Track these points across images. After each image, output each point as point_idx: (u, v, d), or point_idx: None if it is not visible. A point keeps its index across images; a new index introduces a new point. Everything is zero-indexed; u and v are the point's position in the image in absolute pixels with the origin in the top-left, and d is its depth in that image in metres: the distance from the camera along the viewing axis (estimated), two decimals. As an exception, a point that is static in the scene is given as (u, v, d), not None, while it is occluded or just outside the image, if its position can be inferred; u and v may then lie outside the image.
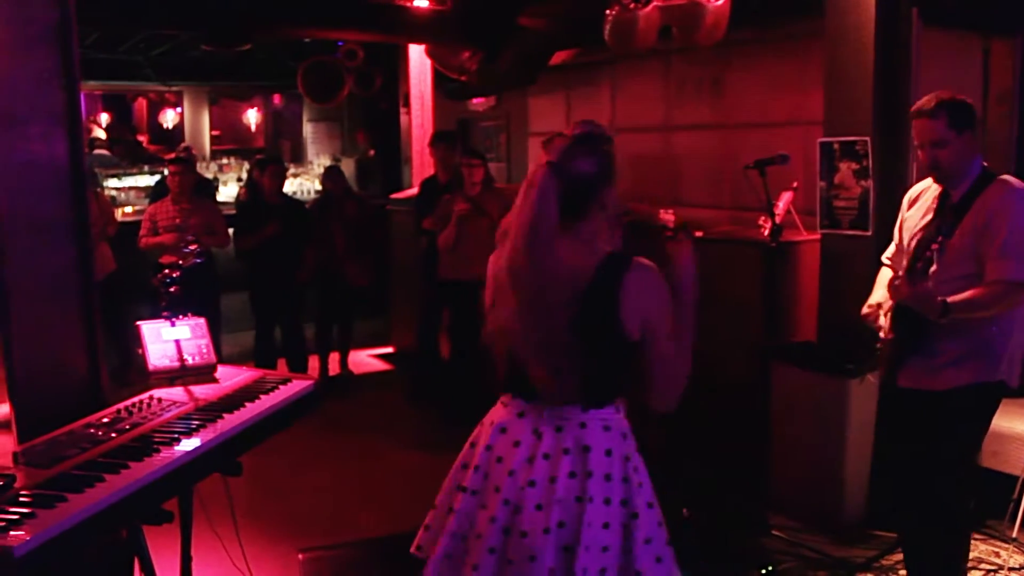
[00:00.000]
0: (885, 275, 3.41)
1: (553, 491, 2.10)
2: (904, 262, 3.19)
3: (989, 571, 3.76)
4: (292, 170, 11.99)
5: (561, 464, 2.12)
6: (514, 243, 2.14)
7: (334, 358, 7.29)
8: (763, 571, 3.78)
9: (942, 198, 3.13)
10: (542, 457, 2.14)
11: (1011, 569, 3.77)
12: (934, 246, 2.85)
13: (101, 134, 12.40)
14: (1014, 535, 3.81)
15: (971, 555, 3.46)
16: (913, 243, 3.15)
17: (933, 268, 2.92)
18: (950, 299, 2.87)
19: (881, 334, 3.22)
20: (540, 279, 2.11)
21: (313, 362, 7.10)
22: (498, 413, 2.30)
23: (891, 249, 3.45)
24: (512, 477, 2.16)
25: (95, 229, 6.11)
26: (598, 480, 2.12)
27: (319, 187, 10.58)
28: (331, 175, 7.46)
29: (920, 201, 3.25)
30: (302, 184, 12.17)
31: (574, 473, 2.12)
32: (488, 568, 2.13)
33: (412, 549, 2.32)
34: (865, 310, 3.32)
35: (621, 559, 2.11)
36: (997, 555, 3.89)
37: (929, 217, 3.15)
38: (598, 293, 2.11)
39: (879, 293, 3.34)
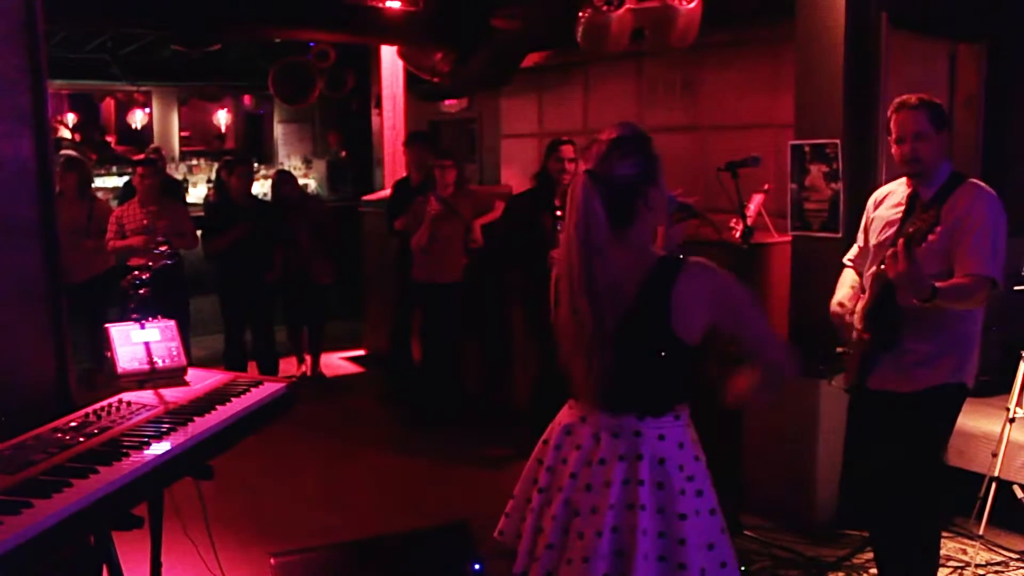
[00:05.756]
0: (847, 277, 3.43)
1: (607, 496, 2.12)
2: (868, 266, 3.21)
3: (956, 568, 3.81)
4: (263, 171, 11.88)
5: (615, 470, 2.13)
6: (568, 256, 2.12)
7: (306, 360, 7.25)
8: (736, 571, 3.80)
9: (912, 199, 3.16)
10: (598, 462, 2.17)
11: (977, 566, 3.83)
12: (924, 244, 2.84)
13: (67, 134, 12.22)
14: (980, 532, 3.86)
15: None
16: (889, 241, 3.13)
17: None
18: (938, 284, 2.84)
19: (853, 335, 3.23)
20: (595, 287, 2.08)
21: (284, 365, 7.05)
22: (565, 415, 2.32)
23: (853, 251, 3.47)
24: (573, 479, 2.20)
25: (94, 228, 6.35)
26: (650, 488, 2.12)
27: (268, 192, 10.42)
28: (287, 179, 7.37)
29: (887, 202, 3.27)
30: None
31: (628, 480, 2.13)
32: (546, 563, 2.18)
33: (495, 534, 2.38)
34: (835, 308, 3.30)
35: (679, 572, 2.10)
36: (964, 552, 3.95)
37: (899, 216, 3.17)
38: (648, 301, 2.11)
39: (844, 292, 3.36)
